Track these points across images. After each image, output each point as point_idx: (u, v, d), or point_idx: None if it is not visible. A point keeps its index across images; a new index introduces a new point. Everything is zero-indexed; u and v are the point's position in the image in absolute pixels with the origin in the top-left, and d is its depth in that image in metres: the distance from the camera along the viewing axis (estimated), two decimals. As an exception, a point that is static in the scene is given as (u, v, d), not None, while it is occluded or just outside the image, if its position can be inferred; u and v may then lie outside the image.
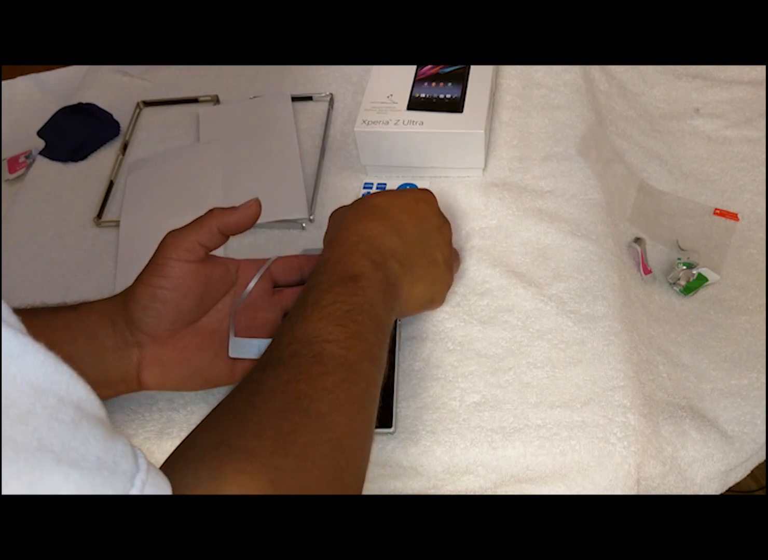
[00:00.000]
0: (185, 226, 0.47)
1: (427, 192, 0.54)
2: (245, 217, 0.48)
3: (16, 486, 0.21)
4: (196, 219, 0.47)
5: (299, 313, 0.43)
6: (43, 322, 0.45)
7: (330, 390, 0.39)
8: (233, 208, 0.48)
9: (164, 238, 0.47)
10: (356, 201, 0.53)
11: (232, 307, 0.49)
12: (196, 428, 0.37)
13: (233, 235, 0.48)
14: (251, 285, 0.50)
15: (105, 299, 0.48)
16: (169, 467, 0.33)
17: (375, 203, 0.51)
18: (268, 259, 0.52)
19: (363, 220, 0.49)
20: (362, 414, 0.41)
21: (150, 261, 0.46)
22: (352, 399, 0.40)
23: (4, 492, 0.21)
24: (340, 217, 0.51)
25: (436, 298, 0.54)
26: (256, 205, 0.48)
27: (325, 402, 0.38)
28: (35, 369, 0.24)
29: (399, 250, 0.49)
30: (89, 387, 0.26)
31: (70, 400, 0.25)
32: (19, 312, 0.26)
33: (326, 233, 0.52)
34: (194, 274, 0.46)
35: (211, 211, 0.47)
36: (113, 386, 0.47)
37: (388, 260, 0.48)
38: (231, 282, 0.50)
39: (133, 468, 0.26)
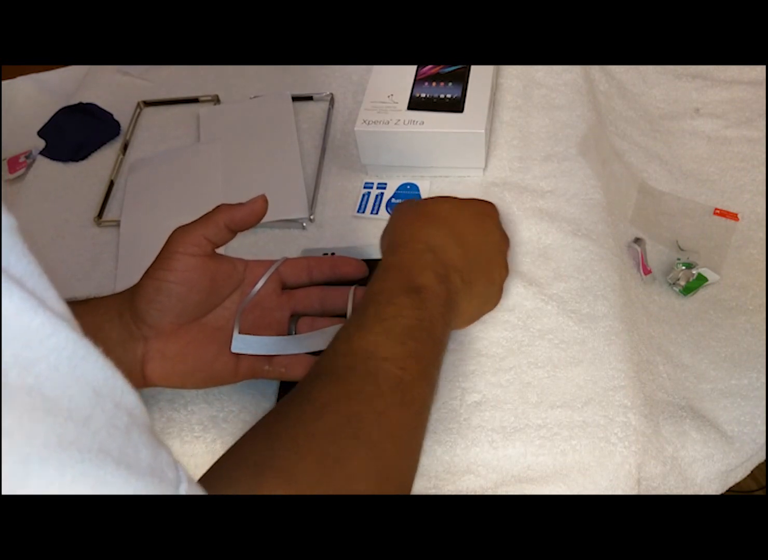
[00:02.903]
0: (193, 221, 0.47)
1: (491, 205, 0.53)
2: (252, 213, 0.48)
3: (83, 486, 0.21)
4: (204, 214, 0.47)
5: (358, 323, 0.42)
6: None
7: (381, 413, 0.38)
8: (240, 204, 0.48)
9: (172, 233, 0.47)
10: (422, 201, 0.51)
11: (240, 305, 0.50)
12: (245, 435, 0.37)
13: (240, 230, 0.49)
14: (260, 283, 0.50)
15: (114, 294, 0.48)
16: (210, 480, 0.33)
17: (441, 210, 0.50)
18: (276, 260, 0.52)
19: (428, 227, 0.48)
20: (412, 442, 0.40)
21: (158, 255, 0.47)
22: (403, 425, 0.39)
23: (72, 492, 0.21)
24: (402, 215, 0.50)
25: (481, 316, 0.53)
26: (262, 201, 0.48)
27: (375, 427, 0.38)
28: (96, 372, 0.24)
29: (461, 264, 0.47)
30: (138, 395, 0.26)
31: (125, 407, 0.25)
32: None
33: (386, 230, 0.51)
34: (200, 269, 0.47)
35: (218, 206, 0.48)
36: None
37: (452, 274, 0.46)
38: (238, 281, 0.50)
39: (176, 478, 0.26)
